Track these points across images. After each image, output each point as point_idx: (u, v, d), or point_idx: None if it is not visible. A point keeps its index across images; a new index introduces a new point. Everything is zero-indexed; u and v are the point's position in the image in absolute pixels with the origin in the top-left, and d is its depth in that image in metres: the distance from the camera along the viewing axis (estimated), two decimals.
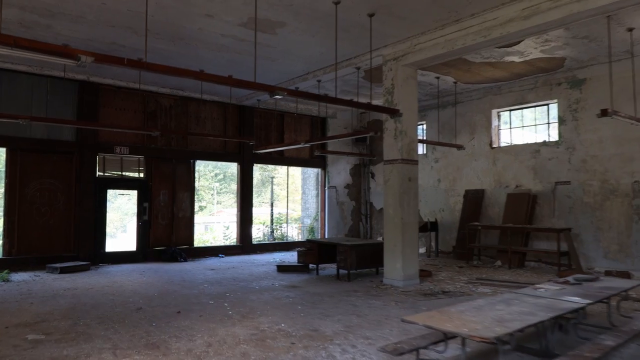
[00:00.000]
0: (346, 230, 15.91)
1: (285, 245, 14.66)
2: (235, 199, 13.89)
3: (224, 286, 8.40)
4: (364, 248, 9.13)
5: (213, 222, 28.02)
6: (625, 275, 9.47)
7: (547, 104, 11.70)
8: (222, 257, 12.69)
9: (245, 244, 13.58)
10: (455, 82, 12.00)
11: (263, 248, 14.11)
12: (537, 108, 12.05)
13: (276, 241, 15.48)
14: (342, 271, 9.27)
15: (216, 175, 29.92)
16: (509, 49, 9.43)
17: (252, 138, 11.67)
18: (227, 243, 17.80)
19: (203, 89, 12.11)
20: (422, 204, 14.33)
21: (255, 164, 14.09)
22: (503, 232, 11.60)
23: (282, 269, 10.18)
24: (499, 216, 12.26)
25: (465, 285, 8.52)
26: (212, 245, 13.88)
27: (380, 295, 7.64)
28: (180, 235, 12.50)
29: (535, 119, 12.15)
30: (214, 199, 30.79)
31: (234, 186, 33.60)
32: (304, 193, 19.32)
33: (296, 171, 19.33)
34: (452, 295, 7.64)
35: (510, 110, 12.51)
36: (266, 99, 12.92)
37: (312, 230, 17.91)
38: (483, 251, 12.15)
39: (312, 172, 18.87)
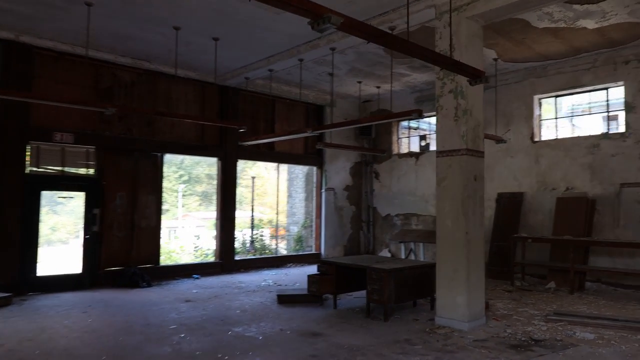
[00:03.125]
0: (345, 241, 13.34)
1: (275, 261, 11.93)
2: (215, 203, 11.06)
3: (210, 336, 5.65)
4: (405, 273, 6.58)
5: (177, 226, 25.00)
6: None
7: (607, 88, 9.51)
8: (198, 278, 9.85)
9: (226, 261, 10.77)
10: (495, 60, 9.65)
11: (248, 265, 11.33)
12: (592, 93, 9.85)
13: (262, 255, 12.71)
14: (370, 304, 6.68)
15: (181, 176, 26.96)
16: (591, 8, 7.13)
17: (241, 124, 8.90)
18: (201, 259, 14.95)
19: (177, 59, 9.30)
20: None
21: (240, 160, 11.30)
22: (556, 246, 9.31)
23: (285, 299, 7.50)
24: (543, 225, 9.98)
25: (549, 326, 6.10)
26: (184, 263, 11.01)
27: (451, 350, 5.10)
28: (142, 251, 9.58)
29: (589, 106, 9.96)
30: (177, 201, 27.72)
31: (199, 188, 30.50)
32: (290, 196, 16.66)
33: (282, 170, 16.65)
34: (553, 348, 5.19)
35: (557, 97, 10.27)
36: (258, 76, 10.20)
37: (299, 239, 15.26)
38: (527, 269, 9.82)
39: (301, 171, 16.22)
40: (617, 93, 9.48)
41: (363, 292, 7.89)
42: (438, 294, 6.24)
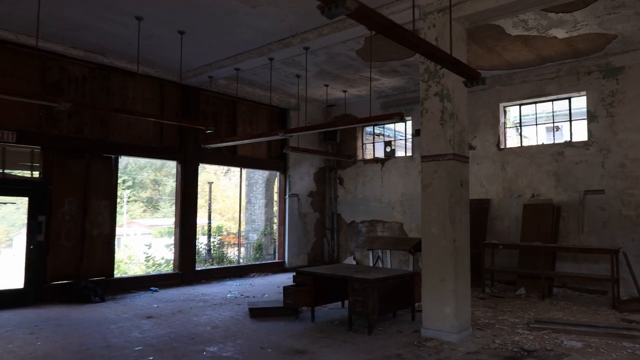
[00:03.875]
0: (309, 249, 12.94)
1: (237, 271, 11.32)
2: (174, 209, 10.33)
3: (183, 358, 5.07)
4: (388, 283, 6.29)
5: (122, 234, 23.60)
6: None
7: (570, 97, 9.77)
8: (156, 291, 9.10)
9: (186, 271, 10.06)
10: None
11: (209, 275, 10.66)
12: (555, 102, 10.09)
13: (222, 265, 12.07)
14: (352, 316, 6.33)
15: (124, 182, 25.59)
16: (565, 17, 7.23)
17: (207, 123, 8.29)
18: (154, 269, 14.07)
19: (134, 54, 8.60)
20: (405, 217, 11.85)
21: (202, 164, 10.65)
22: (524, 252, 9.39)
23: (258, 313, 6.99)
24: (510, 232, 10.08)
25: (534, 335, 6.01)
26: (140, 274, 10.16)
27: None
28: (94, 262, 8.72)
29: (552, 115, 10.18)
30: (122, 208, 26.26)
31: (144, 194, 28.94)
32: (249, 202, 16.09)
33: (235, 174, 16.06)
34: (547, 359, 5.06)
35: (521, 105, 10.45)
36: (223, 75, 9.65)
37: (259, 247, 14.75)
38: (496, 276, 9.84)
39: (260, 177, 15.73)
40: (579, 102, 9.77)
41: (338, 304, 7.59)
42: (424, 305, 5.99)
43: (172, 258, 10.68)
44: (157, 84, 9.85)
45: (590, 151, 9.24)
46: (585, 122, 9.41)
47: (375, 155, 13.04)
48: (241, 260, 11.96)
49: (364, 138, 13.19)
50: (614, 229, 8.90)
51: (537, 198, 9.78)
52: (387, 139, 13.13)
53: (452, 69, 4.40)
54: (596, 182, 9.13)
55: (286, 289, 6.72)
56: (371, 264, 11.15)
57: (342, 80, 10.74)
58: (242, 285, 9.91)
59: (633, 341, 5.73)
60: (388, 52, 8.90)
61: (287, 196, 12.48)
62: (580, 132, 9.72)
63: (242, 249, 14.53)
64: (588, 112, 9.33)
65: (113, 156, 9.16)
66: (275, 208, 16.12)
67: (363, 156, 13.03)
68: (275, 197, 16.39)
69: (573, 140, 9.64)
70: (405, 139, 12.71)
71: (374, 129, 13.17)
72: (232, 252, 15.15)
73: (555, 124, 10.24)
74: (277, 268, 12.10)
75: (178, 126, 10.09)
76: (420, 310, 7.13)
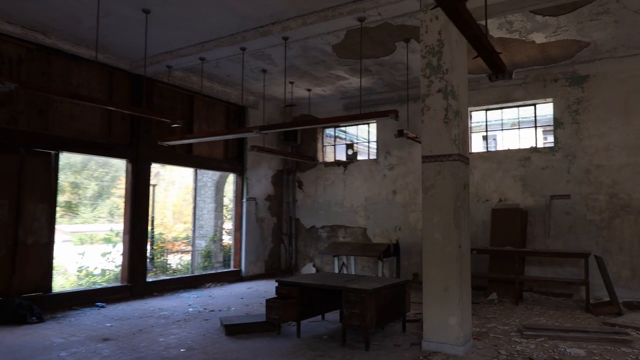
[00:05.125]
0: (266, 256, 12.20)
1: (192, 282, 10.33)
2: (123, 213, 9.17)
3: None
4: (384, 293, 5.81)
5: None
6: None
7: (535, 104, 9.93)
8: (103, 307, 7.96)
9: (135, 283, 8.96)
10: None
11: (161, 287, 9.60)
12: (521, 108, 10.22)
13: (174, 275, 11.00)
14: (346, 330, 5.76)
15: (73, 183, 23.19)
16: (550, 20, 7.21)
17: (174, 117, 7.34)
18: (87, 280, 12.55)
19: (82, 35, 7.49)
20: (369, 222, 11.50)
21: (154, 163, 9.58)
22: (495, 257, 9.34)
23: (235, 330, 6.20)
24: (477, 236, 10.03)
25: (532, 342, 5.80)
26: (84, 288, 8.85)
27: None
28: (29, 275, 7.43)
29: (519, 121, 10.32)
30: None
31: (61, 197, 26.62)
32: (196, 207, 14.97)
33: (188, 176, 14.92)
34: None
35: (487, 110, 10.50)
36: (184, 65, 8.73)
37: (208, 255, 13.73)
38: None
39: (210, 178, 14.71)
40: (545, 109, 9.97)
41: (318, 317, 6.99)
42: (425, 316, 5.56)
43: (120, 268, 9.49)
44: (105, 71, 8.71)
45: (556, 157, 9.41)
46: (552, 128, 9.59)
47: (336, 158, 12.61)
48: (195, 270, 10.94)
49: (324, 140, 12.72)
50: (578, 233, 9.10)
51: (505, 203, 9.81)
52: (348, 142, 12.76)
53: (487, 59, 4.02)
54: (562, 187, 9.30)
55: (270, 302, 6.00)
56: (336, 271, 10.65)
57: (309, 77, 10.18)
58: (201, 298, 8.98)
59: (629, 346, 5.69)
60: (364, 50, 8.49)
61: (244, 200, 11.67)
62: (546, 138, 9.89)
63: (189, 257, 13.46)
64: (554, 118, 9.52)
65: (53, 152, 7.91)
66: (225, 213, 15.20)
67: (323, 159, 12.53)
68: (226, 200, 15.48)
69: (539, 146, 9.79)
70: (369, 142, 12.41)
71: (335, 131, 12.74)
72: (174, 261, 13.98)
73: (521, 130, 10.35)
74: (233, 277, 11.24)
75: (129, 120, 9.00)
76: (410, 320, 6.75)
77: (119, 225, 15.24)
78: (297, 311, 6.01)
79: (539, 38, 7.94)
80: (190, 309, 7.85)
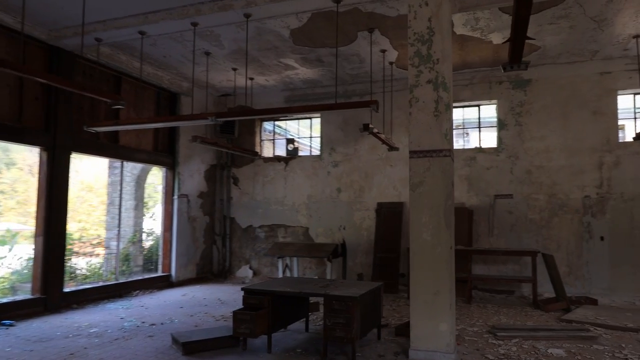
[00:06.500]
0: (198, 258, 11.14)
1: (116, 290, 8.99)
2: (35, 214, 7.65)
3: None
4: (366, 299, 5.33)
5: None
6: (593, 302, 8.31)
7: (479, 105, 10.12)
8: (12, 325, 6.52)
9: (51, 295, 7.52)
10: (391, 63, 9.26)
11: (81, 298, 8.20)
12: (466, 109, 10.37)
13: (96, 283, 9.55)
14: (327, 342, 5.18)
15: None
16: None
17: (116, 97, 6.15)
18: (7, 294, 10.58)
19: None
20: (312, 221, 10.99)
21: (75, 153, 8.16)
22: None
23: (194, 347, 5.32)
24: None
25: (509, 344, 5.69)
26: None
27: None
28: None
29: (463, 121, 10.45)
30: None
31: None
32: (111, 204, 13.37)
33: (102, 168, 13.28)
34: None
35: None
36: (119, 38, 7.50)
37: (126, 258, 12.30)
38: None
39: (129, 172, 13.24)
40: (488, 110, 10.19)
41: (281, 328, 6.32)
42: (413, 322, 5.17)
43: (18, 275, 7.97)
44: (16, 40, 7.18)
45: (500, 157, 9.65)
46: (496, 129, 9.82)
47: (276, 154, 11.91)
48: (119, 277, 9.57)
49: (262, 134, 11.96)
50: (520, 231, 9.40)
51: None
52: (288, 137, 12.13)
53: (519, 45, 3.69)
54: (505, 187, 9.55)
55: (239, 315, 5.21)
56: (280, 274, 9.99)
57: (256, 64, 9.40)
58: (132, 309, 7.81)
59: (597, 342, 5.81)
60: (324, 37, 7.96)
61: (175, 197, 10.52)
62: (489, 139, 10.11)
63: (100, 260, 11.95)
64: (498, 120, 9.75)
65: None
66: (145, 210, 13.76)
67: (261, 153, 11.77)
68: (146, 197, 14.00)
69: (483, 146, 9.99)
70: (311, 138, 11.90)
71: (274, 125, 12.03)
72: (82, 264, 12.28)
73: (465, 130, 10.52)
74: (162, 283, 10.07)
75: (44, 100, 7.55)
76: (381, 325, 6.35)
77: (18, 225, 13.09)
78: (268, 323, 5.30)
79: (496, 38, 8.00)
80: (125, 324, 6.72)
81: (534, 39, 3.57)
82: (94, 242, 14.46)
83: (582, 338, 5.95)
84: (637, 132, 7.66)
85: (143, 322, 6.81)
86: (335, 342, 5.14)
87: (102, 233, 13.85)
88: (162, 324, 6.75)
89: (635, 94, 9.15)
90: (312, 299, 7.13)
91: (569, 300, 8.30)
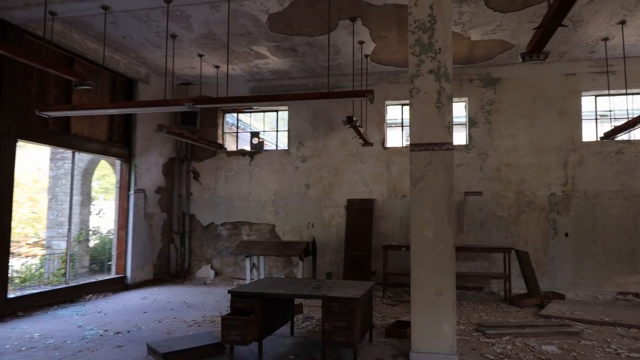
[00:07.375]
0: (155, 258, 10.36)
1: (66, 294, 8.09)
2: None
3: None
4: (364, 301, 5.03)
5: None
6: (560, 297, 8.54)
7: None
8: None
9: None
10: (367, 56, 9.03)
11: (27, 304, 7.27)
12: None
13: (47, 287, 8.57)
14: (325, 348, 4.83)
15: None
16: (497, 16, 7.24)
17: (81, 76, 5.40)
18: None
19: None
20: (278, 218, 10.56)
21: (21, 141, 7.21)
22: None
23: (176, 359, 4.77)
24: (394, 233, 9.87)
25: (501, 342, 5.62)
26: None
27: None
28: None
29: None
30: None
31: None
32: (53, 199, 12.20)
33: (42, 159, 12.09)
34: None
35: (404, 105, 10.39)
36: (77, 13, 6.69)
37: (72, 259, 11.25)
38: (389, 279, 9.41)
39: (75, 165, 12.13)
40: (459, 108, 10.20)
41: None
42: (414, 323, 4.93)
43: None
44: None
45: (470, 155, 9.70)
46: (466, 127, 9.86)
47: (239, 148, 11.34)
48: (69, 280, 8.63)
49: (225, 127, 11.34)
50: (489, 228, 9.50)
51: None
52: (253, 130, 11.59)
53: (549, 33, 3.51)
54: (475, 184, 9.62)
55: (229, 321, 4.73)
56: (247, 273, 9.46)
57: (223, 51, 8.81)
58: (89, 315, 7.03)
59: (584, 337, 5.87)
60: (303, 24, 7.57)
61: (131, 192, 9.69)
62: (460, 136, 10.12)
63: (37, 262, 10.87)
64: (469, 117, 9.80)
65: None
66: (91, 207, 12.67)
67: (224, 146, 11.15)
68: (94, 192, 12.90)
69: (455, 143, 10.00)
70: (277, 132, 11.43)
71: (237, 117, 11.46)
72: (17, 266, 11.10)
73: None
74: (117, 286, 9.24)
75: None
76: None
77: None
78: (259, 328, 4.86)
79: (475, 35, 7.97)
80: (85, 333, 5.99)
81: (567, 26, 3.52)
82: (30, 241, 13.20)
83: (567, 334, 6.00)
84: (605, 132, 7.91)
85: (106, 331, 6.11)
86: (333, 347, 4.79)
87: (40, 232, 12.65)
88: (128, 331, 6.08)
89: (596, 95, 9.51)
90: (297, 301, 6.73)
91: None
